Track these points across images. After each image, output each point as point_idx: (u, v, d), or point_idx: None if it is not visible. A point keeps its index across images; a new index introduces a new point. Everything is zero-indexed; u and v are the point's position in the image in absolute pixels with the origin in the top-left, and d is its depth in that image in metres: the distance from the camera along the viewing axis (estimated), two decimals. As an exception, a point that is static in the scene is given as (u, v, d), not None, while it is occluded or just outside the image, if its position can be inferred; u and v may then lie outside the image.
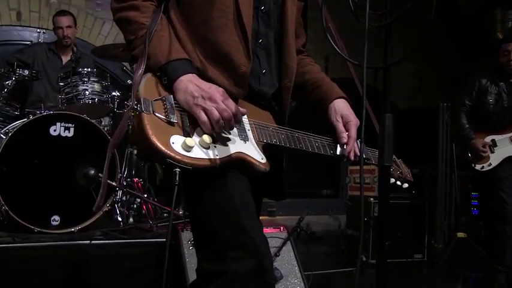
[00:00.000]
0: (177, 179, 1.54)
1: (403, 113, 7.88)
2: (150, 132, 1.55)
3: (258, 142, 1.78)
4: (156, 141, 1.54)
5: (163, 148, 1.54)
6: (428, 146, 6.66)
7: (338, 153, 1.97)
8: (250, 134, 1.78)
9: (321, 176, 8.58)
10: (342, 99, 2.07)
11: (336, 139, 1.99)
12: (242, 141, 1.74)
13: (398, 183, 2.24)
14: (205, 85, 1.67)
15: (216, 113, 1.62)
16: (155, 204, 4.79)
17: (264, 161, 1.73)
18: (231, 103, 1.66)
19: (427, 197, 5.92)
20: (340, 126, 1.99)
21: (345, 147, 1.96)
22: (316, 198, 8.36)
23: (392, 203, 5.27)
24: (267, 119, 1.91)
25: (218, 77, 1.77)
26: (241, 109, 1.70)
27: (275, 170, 1.86)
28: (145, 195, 4.82)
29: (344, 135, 1.97)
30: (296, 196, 7.58)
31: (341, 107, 2.04)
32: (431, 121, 6.67)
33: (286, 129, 1.90)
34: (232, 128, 1.69)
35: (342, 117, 2.01)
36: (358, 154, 2.00)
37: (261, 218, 1.98)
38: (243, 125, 1.79)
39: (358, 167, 5.98)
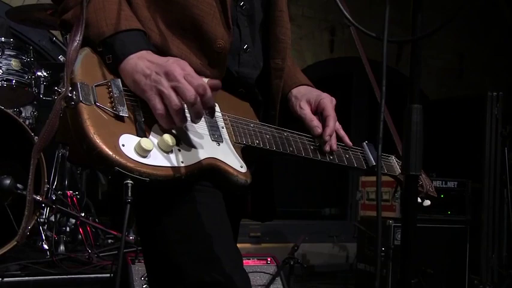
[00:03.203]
0: (130, 194, 1.52)
1: (435, 105, 7.88)
2: (91, 130, 1.53)
3: (235, 144, 1.78)
4: (100, 143, 1.52)
5: (110, 152, 1.52)
6: (470, 151, 6.68)
7: (317, 144, 1.98)
8: (225, 133, 1.78)
9: (323, 190, 8.60)
10: (304, 86, 2.10)
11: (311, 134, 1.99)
12: (215, 142, 1.73)
13: (418, 199, 2.25)
14: (161, 59, 1.66)
15: (174, 98, 1.59)
16: (96, 226, 4.78)
17: (244, 169, 1.73)
18: (197, 79, 1.63)
19: (468, 220, 5.93)
20: (308, 113, 2.00)
21: (324, 134, 1.96)
22: (315, 220, 8.37)
23: (420, 227, 5.29)
24: (247, 112, 1.92)
25: (186, 53, 1.77)
26: (213, 81, 1.67)
27: (260, 180, 1.86)
28: (83, 214, 4.80)
29: (315, 122, 1.98)
30: (288, 217, 7.59)
31: (303, 91, 2.07)
32: (475, 116, 6.69)
33: (272, 128, 1.91)
34: (200, 118, 1.66)
35: (309, 102, 2.03)
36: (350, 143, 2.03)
37: (242, 246, 1.99)
38: (216, 121, 1.78)
39: (372, 178, 6.01)
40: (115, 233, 4.72)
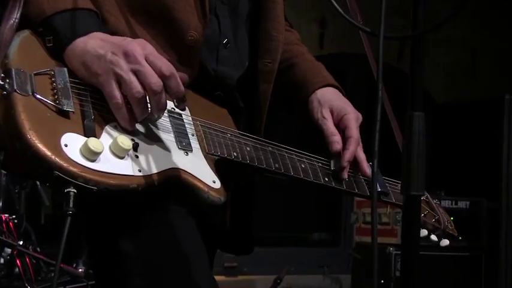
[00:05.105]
0: (72, 205, 1.49)
1: (443, 109, 7.89)
2: (26, 125, 1.50)
3: (207, 155, 1.76)
4: (37, 141, 1.49)
5: (49, 153, 1.49)
6: (484, 164, 6.72)
7: (332, 167, 1.99)
8: (195, 141, 1.77)
9: (312, 212, 8.59)
10: (330, 88, 2.10)
11: (327, 149, 2.01)
12: (182, 151, 1.72)
13: (434, 238, 2.28)
14: (117, 38, 1.65)
15: (136, 84, 1.57)
16: (37, 257, 4.75)
17: (217, 185, 1.71)
18: (161, 59, 1.63)
19: (484, 246, 5.96)
20: (330, 125, 2.01)
21: (343, 159, 1.97)
22: (303, 247, 8.37)
23: (426, 255, 5.31)
24: (224, 120, 1.91)
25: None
26: (180, 73, 1.66)
27: (237, 204, 1.87)
28: (21, 243, 4.77)
29: (337, 138, 1.99)
30: (270, 243, 7.58)
31: (329, 96, 2.07)
32: (490, 123, 6.73)
33: (253, 139, 1.90)
34: (163, 111, 1.65)
35: (331, 112, 2.03)
36: (367, 171, 2.03)
37: (215, 278, 1.99)
38: (185, 127, 1.77)
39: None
40: (61, 265, 4.69)
